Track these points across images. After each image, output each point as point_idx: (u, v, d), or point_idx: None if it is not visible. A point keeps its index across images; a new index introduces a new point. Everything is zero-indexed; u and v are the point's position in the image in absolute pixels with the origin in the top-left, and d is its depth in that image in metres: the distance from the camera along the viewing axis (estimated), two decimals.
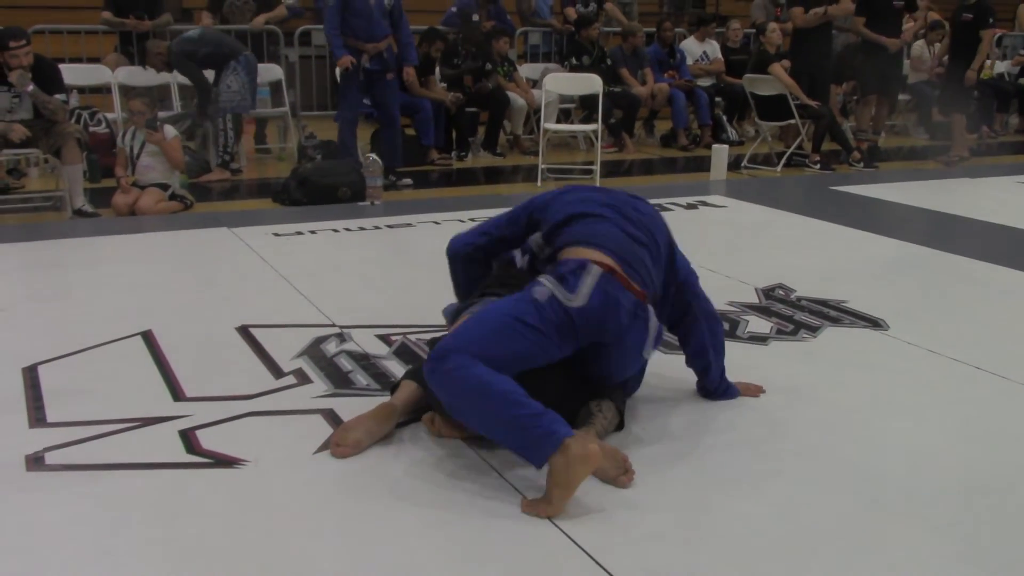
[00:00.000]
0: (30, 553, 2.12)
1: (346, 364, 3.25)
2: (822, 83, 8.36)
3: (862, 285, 4.30)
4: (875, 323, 3.77)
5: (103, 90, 7.87)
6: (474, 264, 3.00)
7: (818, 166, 8.16)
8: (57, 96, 5.82)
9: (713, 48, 9.83)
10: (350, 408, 2.85)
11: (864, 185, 7.09)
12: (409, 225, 5.48)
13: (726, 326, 3.67)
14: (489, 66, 8.44)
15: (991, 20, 8.22)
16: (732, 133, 9.60)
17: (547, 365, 2.54)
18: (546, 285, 2.50)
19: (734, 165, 7.88)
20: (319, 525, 2.26)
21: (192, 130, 7.50)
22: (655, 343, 2.69)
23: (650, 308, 2.65)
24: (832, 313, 3.89)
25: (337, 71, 6.77)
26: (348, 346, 3.43)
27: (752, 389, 3.06)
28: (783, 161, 8.17)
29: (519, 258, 2.93)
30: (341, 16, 6.64)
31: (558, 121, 8.81)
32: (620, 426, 2.72)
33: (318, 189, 6.15)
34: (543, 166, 7.32)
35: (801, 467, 2.58)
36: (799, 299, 4.07)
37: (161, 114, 6.60)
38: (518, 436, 2.32)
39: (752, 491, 2.45)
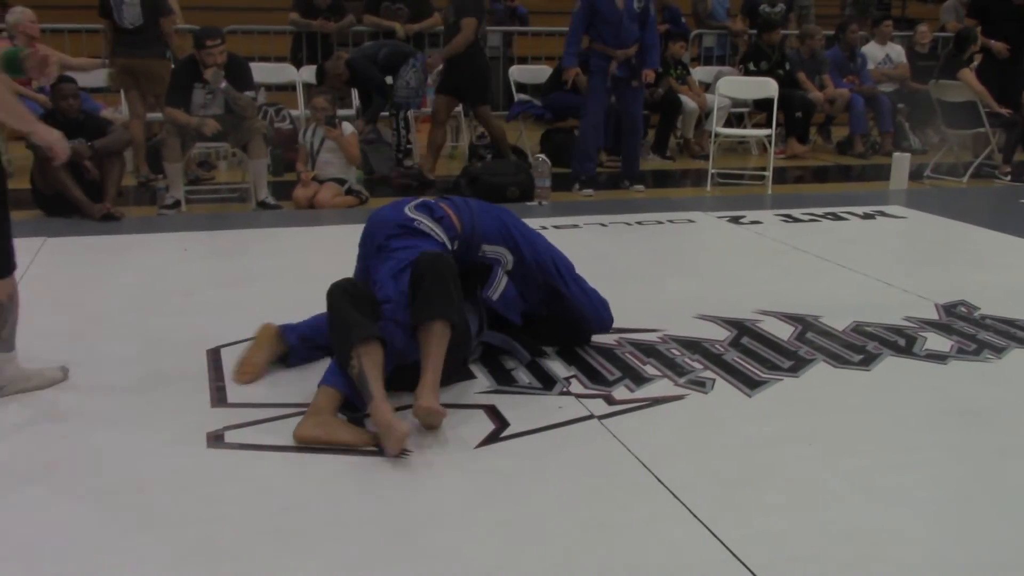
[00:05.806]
0: (209, 525, 2.25)
1: (509, 362, 3.29)
2: (1015, 90, 7.89)
3: None
4: None
5: (288, 88, 8.23)
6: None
7: (1008, 178, 7.72)
8: (247, 93, 6.11)
9: (897, 52, 9.41)
10: (512, 403, 2.90)
11: None
12: (576, 226, 5.49)
13: (902, 342, 3.53)
14: (661, 69, 8.35)
15: None
16: (915, 141, 9.18)
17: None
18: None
19: (915, 175, 7.54)
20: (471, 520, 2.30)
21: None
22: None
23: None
24: (1020, 334, 3.66)
25: (568, 76, 6.76)
26: None
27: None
28: (970, 171, 7.76)
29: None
30: (588, 22, 6.61)
31: (730, 125, 8.65)
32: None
33: (488, 187, 6.25)
34: (713, 171, 7.20)
35: (979, 494, 2.45)
36: (983, 317, 3.86)
37: None
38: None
39: (919, 516, 2.34)
